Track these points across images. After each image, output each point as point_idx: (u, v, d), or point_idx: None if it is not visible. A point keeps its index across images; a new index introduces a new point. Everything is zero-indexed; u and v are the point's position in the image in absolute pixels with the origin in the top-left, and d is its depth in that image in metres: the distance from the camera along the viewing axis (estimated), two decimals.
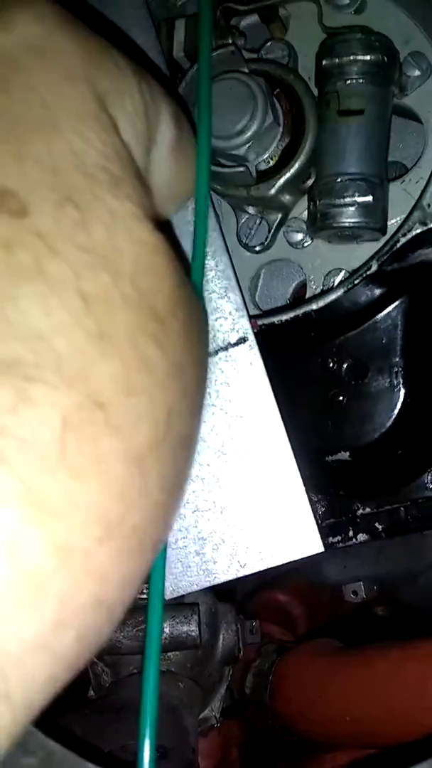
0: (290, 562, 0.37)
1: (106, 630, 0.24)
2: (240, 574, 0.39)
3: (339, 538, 0.57)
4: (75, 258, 0.22)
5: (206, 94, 0.37)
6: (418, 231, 0.41)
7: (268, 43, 0.50)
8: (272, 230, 0.50)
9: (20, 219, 0.22)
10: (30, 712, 0.21)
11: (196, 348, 0.28)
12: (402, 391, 0.50)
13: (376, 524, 0.57)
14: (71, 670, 0.23)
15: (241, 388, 0.39)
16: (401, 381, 0.50)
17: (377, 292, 0.49)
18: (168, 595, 0.40)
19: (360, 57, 0.44)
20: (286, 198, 0.48)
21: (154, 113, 0.29)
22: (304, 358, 0.51)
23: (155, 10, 0.49)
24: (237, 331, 0.39)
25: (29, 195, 0.22)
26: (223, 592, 0.63)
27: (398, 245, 0.42)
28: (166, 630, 0.53)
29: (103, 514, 0.22)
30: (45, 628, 0.21)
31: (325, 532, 0.56)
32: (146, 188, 0.27)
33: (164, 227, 0.27)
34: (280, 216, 0.50)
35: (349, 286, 0.43)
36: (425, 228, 0.41)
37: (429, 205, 0.41)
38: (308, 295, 0.50)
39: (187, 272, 0.36)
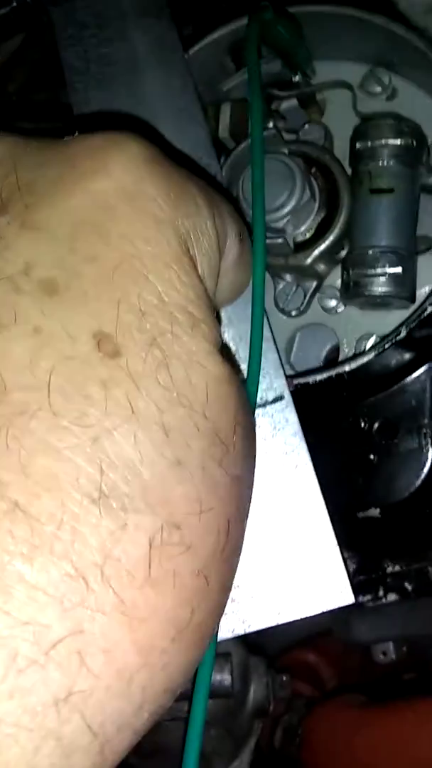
0: (323, 621, 0.38)
1: (168, 706, 0.28)
2: (275, 623, 0.40)
3: (369, 597, 0.58)
4: (158, 395, 0.25)
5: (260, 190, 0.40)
6: None
7: (306, 126, 0.54)
8: (307, 296, 0.53)
9: (115, 359, 0.25)
10: None
11: (250, 458, 0.31)
12: (431, 452, 0.52)
13: (406, 584, 0.58)
14: (139, 738, 0.27)
15: (278, 443, 0.41)
16: (429, 442, 0.51)
17: (407, 356, 0.51)
18: None
19: (391, 141, 0.48)
20: (321, 267, 0.51)
21: (224, 240, 0.32)
22: (336, 417, 0.53)
23: (203, 94, 0.54)
24: (274, 390, 0.41)
25: (122, 338, 0.25)
26: (254, 645, 0.64)
27: (425, 313, 0.45)
28: None
29: (175, 618, 0.26)
30: (130, 712, 0.25)
31: (355, 590, 0.57)
32: (216, 319, 0.29)
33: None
34: (315, 283, 0.53)
35: (380, 350, 0.46)
36: None
37: None
38: (341, 358, 0.53)
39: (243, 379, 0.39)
